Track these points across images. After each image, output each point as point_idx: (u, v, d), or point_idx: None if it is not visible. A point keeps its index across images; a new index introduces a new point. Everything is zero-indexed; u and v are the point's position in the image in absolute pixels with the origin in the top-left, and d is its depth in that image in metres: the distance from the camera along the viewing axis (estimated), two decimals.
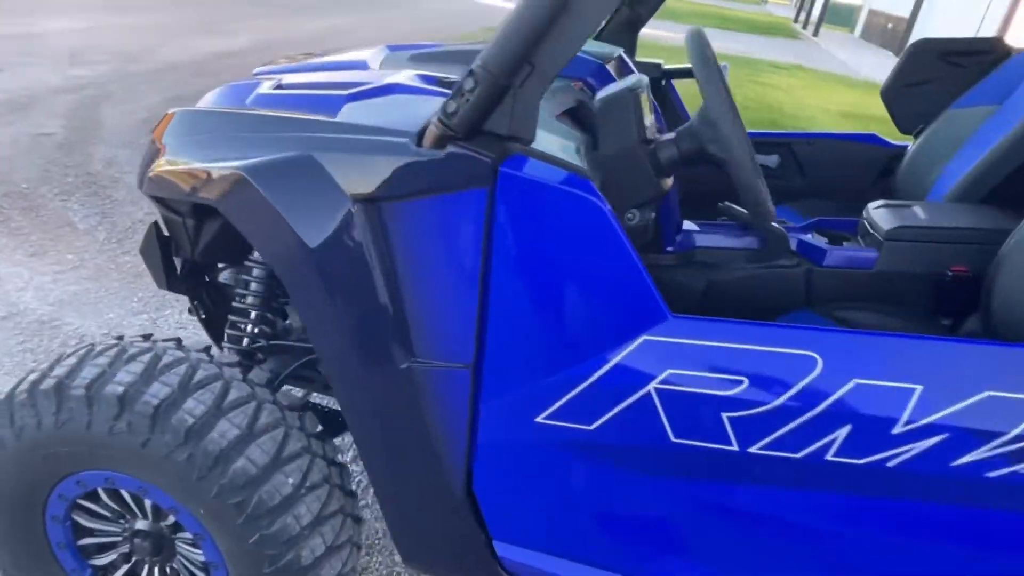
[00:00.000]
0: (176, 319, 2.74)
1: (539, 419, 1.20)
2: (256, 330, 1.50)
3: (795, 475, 1.12)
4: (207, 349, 1.37)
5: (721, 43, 12.32)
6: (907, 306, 1.70)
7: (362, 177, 1.15)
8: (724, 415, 1.11)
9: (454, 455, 1.25)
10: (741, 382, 1.10)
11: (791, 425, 1.10)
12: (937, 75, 2.19)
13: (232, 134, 1.27)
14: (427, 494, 1.29)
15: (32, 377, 1.29)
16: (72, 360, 1.29)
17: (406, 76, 1.38)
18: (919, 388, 1.05)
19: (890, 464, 1.08)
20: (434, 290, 1.18)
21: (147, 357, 1.27)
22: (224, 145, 1.26)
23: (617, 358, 1.14)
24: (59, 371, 1.26)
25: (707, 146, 1.40)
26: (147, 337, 1.39)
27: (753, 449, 1.12)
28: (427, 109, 1.23)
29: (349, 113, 1.25)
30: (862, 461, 1.08)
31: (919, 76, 2.21)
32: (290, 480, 1.24)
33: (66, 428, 1.23)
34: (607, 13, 1.04)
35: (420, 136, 1.14)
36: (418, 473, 1.28)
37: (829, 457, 1.09)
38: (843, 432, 1.08)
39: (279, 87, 1.41)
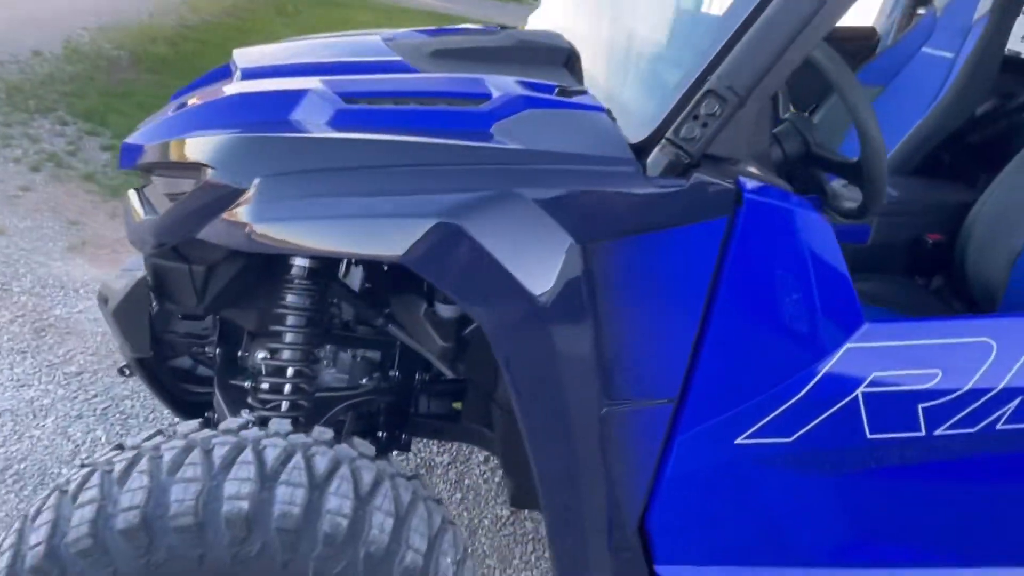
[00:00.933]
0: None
1: (739, 441, 1.22)
2: (300, 386, 1.33)
3: (969, 447, 1.26)
4: (286, 428, 1.15)
5: None
6: (891, 273, 1.95)
7: (583, 213, 1.08)
8: (919, 406, 1.22)
9: (635, 489, 1.24)
10: (935, 375, 1.21)
11: (973, 405, 1.22)
12: None
13: (364, 170, 1.10)
14: (598, 526, 1.26)
15: (80, 516, 0.97)
16: (120, 472, 1.01)
17: (512, 85, 1.23)
18: None
19: None
20: (647, 327, 1.14)
21: (245, 453, 1.04)
22: (362, 184, 1.09)
23: (824, 369, 1.18)
24: (119, 495, 0.98)
25: (812, 147, 1.35)
26: (206, 423, 1.16)
27: (938, 431, 1.24)
28: (599, 128, 1.14)
29: (512, 136, 1.12)
30: None
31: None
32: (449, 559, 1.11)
33: (164, 570, 0.98)
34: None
35: (641, 164, 1.09)
36: (593, 507, 1.24)
37: (1000, 427, 1.24)
38: (1014, 404, 1.23)
39: (350, 97, 1.21)
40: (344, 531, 0.99)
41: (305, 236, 1.12)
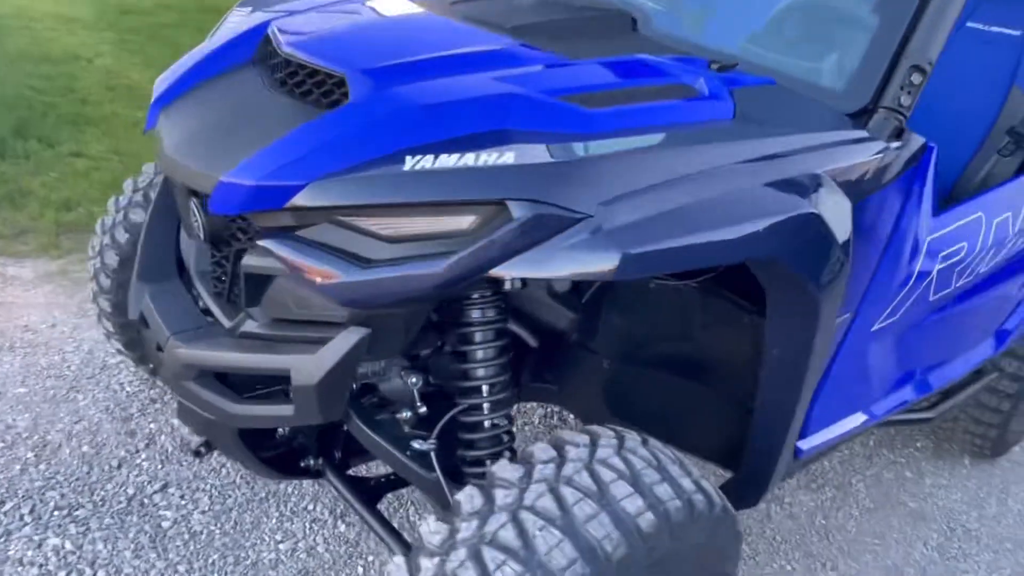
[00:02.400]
0: None
1: (873, 328, 1.62)
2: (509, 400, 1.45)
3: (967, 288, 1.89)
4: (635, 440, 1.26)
5: None
6: None
7: (844, 181, 1.31)
8: (955, 270, 1.73)
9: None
10: (963, 247, 1.70)
11: (975, 262, 1.79)
12: None
13: (689, 178, 1.16)
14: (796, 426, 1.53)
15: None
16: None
17: (682, 66, 1.38)
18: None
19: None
20: (857, 265, 1.40)
21: (610, 472, 1.14)
22: (700, 191, 1.15)
23: (918, 267, 1.59)
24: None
25: None
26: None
27: (959, 283, 1.81)
28: (810, 102, 1.40)
29: (755, 120, 1.28)
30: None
31: None
32: None
33: None
34: None
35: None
36: (800, 407, 1.50)
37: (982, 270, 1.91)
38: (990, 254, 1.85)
39: (558, 95, 1.20)
40: (682, 508, 1.13)
41: (671, 257, 1.13)
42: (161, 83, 1.52)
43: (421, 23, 1.55)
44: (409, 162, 1.12)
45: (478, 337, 1.38)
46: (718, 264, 1.28)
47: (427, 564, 1.06)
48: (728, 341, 1.62)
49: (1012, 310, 2.36)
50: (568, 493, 1.08)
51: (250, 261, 1.27)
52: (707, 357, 1.73)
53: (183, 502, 1.98)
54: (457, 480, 1.42)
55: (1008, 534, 2.53)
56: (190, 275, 1.58)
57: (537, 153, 1.12)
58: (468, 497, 1.12)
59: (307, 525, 1.98)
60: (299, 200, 1.15)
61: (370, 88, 1.24)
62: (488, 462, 1.39)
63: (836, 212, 1.26)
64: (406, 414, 1.45)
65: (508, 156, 1.11)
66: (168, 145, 1.35)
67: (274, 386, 1.44)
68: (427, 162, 1.12)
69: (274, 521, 1.96)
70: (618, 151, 1.15)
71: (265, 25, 1.57)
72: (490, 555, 1.02)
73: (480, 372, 1.39)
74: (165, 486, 2.02)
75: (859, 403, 1.85)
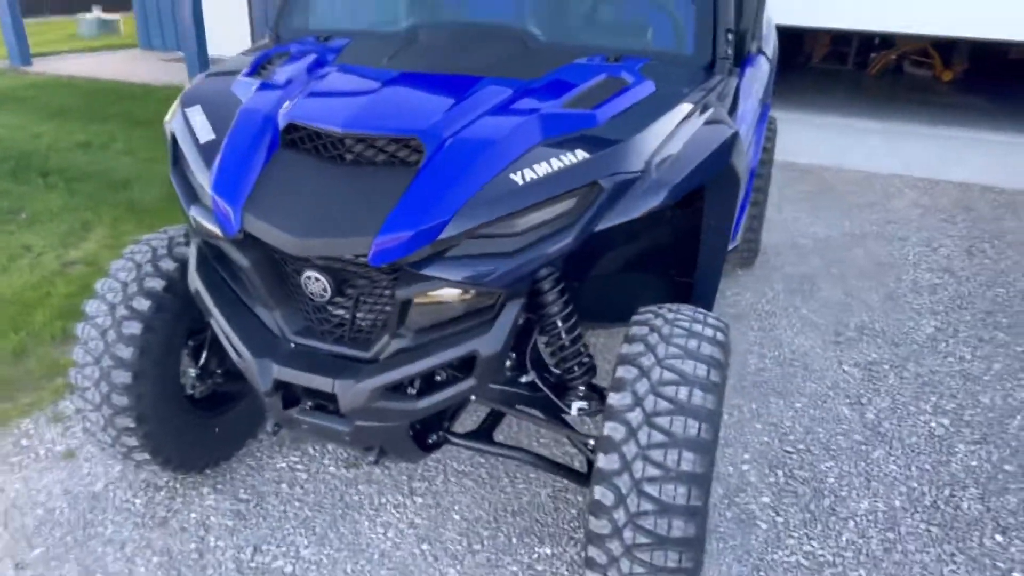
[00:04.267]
0: None
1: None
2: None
3: None
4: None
5: None
6: None
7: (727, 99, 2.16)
8: None
9: None
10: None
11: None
12: None
13: None
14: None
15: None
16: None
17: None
18: None
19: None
20: None
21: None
22: None
23: None
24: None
25: None
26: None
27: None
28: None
29: (664, 85, 1.93)
30: None
31: None
32: None
33: None
34: None
35: None
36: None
37: None
38: None
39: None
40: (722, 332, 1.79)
41: (682, 185, 1.79)
42: (224, 188, 1.71)
43: (411, 80, 1.92)
44: (517, 178, 1.61)
45: (552, 289, 1.82)
46: (698, 184, 1.95)
47: (624, 403, 1.61)
48: (659, 234, 2.34)
49: (752, 157, 3.49)
50: (677, 342, 1.71)
51: (403, 291, 1.64)
52: (646, 251, 2.43)
53: None
54: (559, 396, 1.97)
55: (786, 303, 3.79)
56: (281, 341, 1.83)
57: (590, 149, 1.68)
58: (625, 370, 1.69)
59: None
60: (447, 233, 1.57)
61: (439, 142, 1.67)
62: (577, 373, 1.94)
63: (735, 123, 2.00)
64: (507, 361, 1.93)
65: (581, 154, 1.66)
66: (291, 232, 1.61)
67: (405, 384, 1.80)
68: (529, 174, 1.62)
69: None
70: (629, 132, 1.75)
71: (264, 114, 1.83)
72: (667, 376, 1.63)
73: (557, 310, 1.92)
74: None
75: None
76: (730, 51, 2.11)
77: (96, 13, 13.66)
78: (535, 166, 1.63)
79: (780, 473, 2.56)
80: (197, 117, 1.94)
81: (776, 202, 5.35)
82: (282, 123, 1.79)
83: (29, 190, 5.05)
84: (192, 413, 2.31)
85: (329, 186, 1.67)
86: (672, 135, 1.79)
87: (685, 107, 1.87)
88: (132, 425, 2.10)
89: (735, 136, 1.89)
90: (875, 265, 4.31)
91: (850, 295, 3.91)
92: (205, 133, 1.88)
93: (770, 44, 3.67)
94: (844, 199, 5.48)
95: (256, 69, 2.14)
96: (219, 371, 2.32)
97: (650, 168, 1.71)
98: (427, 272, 1.62)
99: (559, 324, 1.92)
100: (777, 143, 6.44)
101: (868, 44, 12.12)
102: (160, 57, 10.68)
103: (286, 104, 1.85)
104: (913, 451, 2.69)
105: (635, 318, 1.84)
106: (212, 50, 8.95)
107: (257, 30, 10.60)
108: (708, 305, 2.25)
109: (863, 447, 2.70)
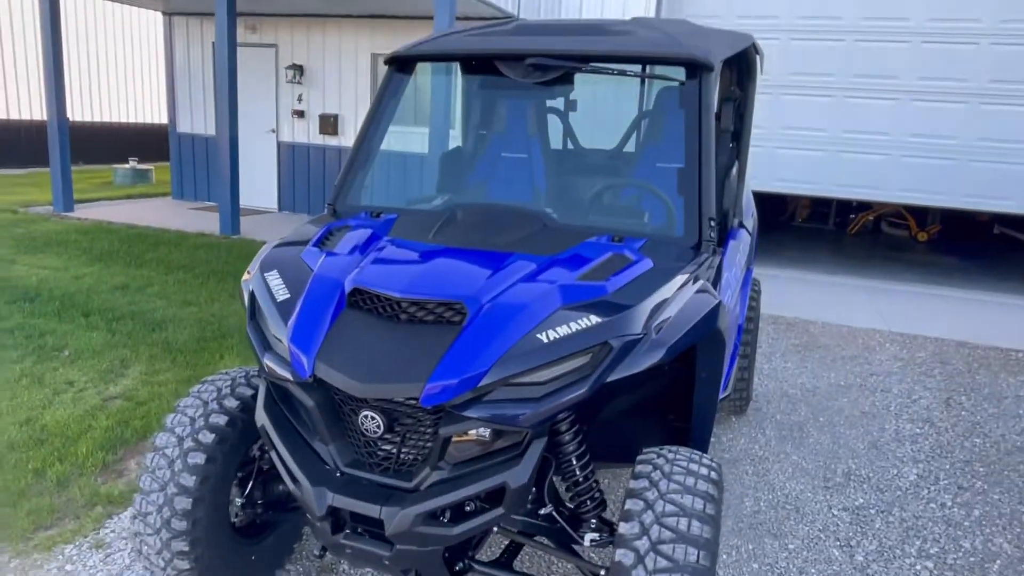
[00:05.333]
0: None
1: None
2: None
3: None
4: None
5: None
6: None
7: (710, 276, 2.48)
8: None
9: None
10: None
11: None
12: None
13: None
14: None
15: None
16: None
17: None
18: None
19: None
20: None
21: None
22: None
23: None
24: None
25: None
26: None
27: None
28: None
29: (660, 262, 2.35)
30: None
31: None
32: None
33: None
34: None
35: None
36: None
37: None
38: None
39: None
40: (716, 476, 2.10)
41: (677, 346, 2.13)
42: (300, 339, 2.07)
43: (455, 256, 2.35)
44: (542, 337, 1.98)
45: (568, 431, 2.20)
46: (691, 344, 2.31)
47: (630, 536, 1.89)
48: (658, 385, 2.68)
49: (739, 315, 3.91)
50: (676, 479, 2.02)
51: (447, 429, 1.96)
52: (648, 400, 2.76)
53: None
54: (574, 528, 2.23)
55: (778, 449, 4.05)
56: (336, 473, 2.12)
57: (602, 314, 2.07)
58: (633, 503, 1.98)
59: None
60: (486, 380, 1.92)
61: (478, 306, 2.06)
62: (590, 507, 2.23)
63: (719, 295, 2.39)
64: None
65: (594, 318, 2.04)
66: (356, 377, 1.96)
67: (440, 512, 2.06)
68: (552, 334, 1.99)
69: None
70: (634, 300, 2.14)
71: (333, 280, 2.23)
72: (669, 508, 1.92)
73: (570, 449, 2.22)
74: None
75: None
76: (713, 234, 2.56)
77: (132, 164, 14.78)
78: (557, 328, 2.00)
79: None
80: (274, 280, 2.35)
81: (766, 352, 5.73)
82: (348, 287, 2.19)
83: (72, 328, 5.44)
84: (235, 540, 2.54)
85: (387, 340, 2.04)
86: (668, 303, 2.18)
87: (678, 280, 2.28)
88: (186, 549, 2.33)
89: (719, 305, 2.29)
90: (859, 415, 4.61)
91: (837, 443, 4.19)
92: (282, 293, 2.28)
93: (750, 216, 4.21)
94: (829, 351, 5.88)
95: (321, 240, 2.58)
96: (260, 501, 2.57)
97: (650, 330, 2.09)
98: (467, 414, 1.94)
99: (574, 462, 2.22)
100: (765, 298, 6.97)
101: (847, 205, 13.12)
102: (190, 206, 11.50)
103: (353, 271, 2.26)
104: None
105: (640, 458, 2.14)
106: (242, 202, 9.72)
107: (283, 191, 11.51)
108: (704, 447, 2.55)
109: None
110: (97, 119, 17.94)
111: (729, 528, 3.25)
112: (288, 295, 2.26)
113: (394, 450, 2.08)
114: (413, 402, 1.96)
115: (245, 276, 2.51)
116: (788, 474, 3.79)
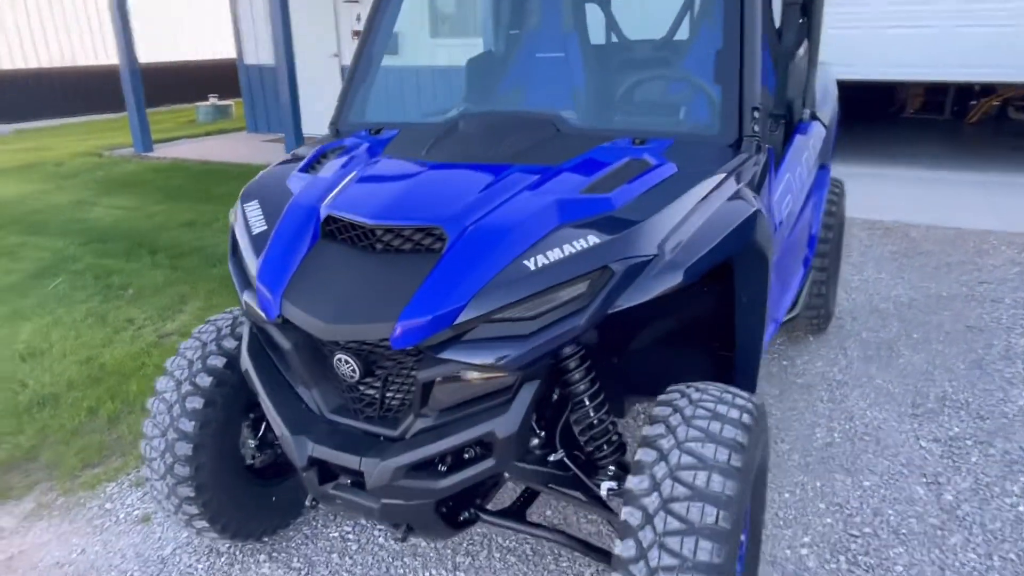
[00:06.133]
0: None
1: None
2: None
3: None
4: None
5: None
6: None
7: (752, 181, 2.16)
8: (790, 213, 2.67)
9: None
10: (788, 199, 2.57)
11: (794, 202, 2.73)
12: None
13: None
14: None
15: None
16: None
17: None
18: None
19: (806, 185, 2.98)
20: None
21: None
22: None
23: None
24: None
25: None
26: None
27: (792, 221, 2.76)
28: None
29: (686, 166, 2.00)
30: None
31: None
32: None
33: None
34: None
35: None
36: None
37: None
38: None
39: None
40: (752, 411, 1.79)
41: (701, 264, 1.82)
42: (268, 276, 1.86)
43: (444, 173, 2.05)
44: (530, 264, 1.67)
45: (576, 368, 1.91)
46: (719, 262, 1.94)
47: (643, 485, 1.60)
48: (697, 309, 2.34)
49: (811, 222, 3.41)
50: (698, 424, 1.70)
51: (424, 373, 1.72)
52: (683, 327, 2.43)
53: None
54: (588, 475, 1.97)
55: (860, 372, 3.60)
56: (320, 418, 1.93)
57: (602, 233, 1.73)
58: (644, 452, 1.69)
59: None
60: (463, 317, 1.65)
61: (460, 230, 1.76)
62: (606, 452, 1.95)
63: (757, 203, 1.99)
64: (534, 440, 1.96)
65: (593, 239, 1.71)
66: (321, 317, 1.74)
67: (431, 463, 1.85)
68: (542, 260, 1.68)
69: None
70: (644, 214, 1.79)
71: (309, 207, 1.99)
72: (686, 460, 1.61)
73: (582, 389, 1.94)
74: None
75: (779, 301, 2.69)
76: (757, 128, 2.12)
77: (212, 101, 15.05)
78: (548, 252, 1.69)
79: (843, 559, 2.41)
80: (253, 211, 2.13)
81: (856, 263, 5.15)
82: (322, 215, 1.95)
83: (138, 267, 5.57)
84: (252, 483, 2.45)
85: (360, 274, 1.79)
86: (689, 216, 1.81)
87: (705, 187, 1.89)
88: (192, 494, 2.25)
89: (756, 214, 1.89)
90: (963, 329, 4.04)
91: (932, 363, 3.68)
92: (258, 225, 2.06)
93: (828, 106, 3.62)
94: (931, 258, 5.21)
95: (311, 164, 2.33)
96: (277, 442, 2.46)
97: (664, 250, 1.74)
98: (446, 355, 1.69)
99: (586, 402, 1.94)
100: (860, 203, 6.25)
101: (966, 92, 11.61)
102: (262, 139, 11.60)
103: (329, 197, 2.01)
104: (996, 538, 2.47)
105: (661, 397, 1.84)
106: (307, 130, 9.67)
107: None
108: (750, 381, 2.20)
109: (938, 532, 2.51)
110: (177, 59, 18.30)
111: (795, 463, 2.91)
112: (265, 227, 2.05)
113: (377, 395, 1.87)
114: (385, 344, 1.72)
115: (231, 210, 2.31)
116: (870, 400, 3.36)
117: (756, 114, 2.10)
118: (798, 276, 3.15)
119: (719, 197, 1.89)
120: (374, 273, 1.78)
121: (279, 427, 1.91)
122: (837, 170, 4.60)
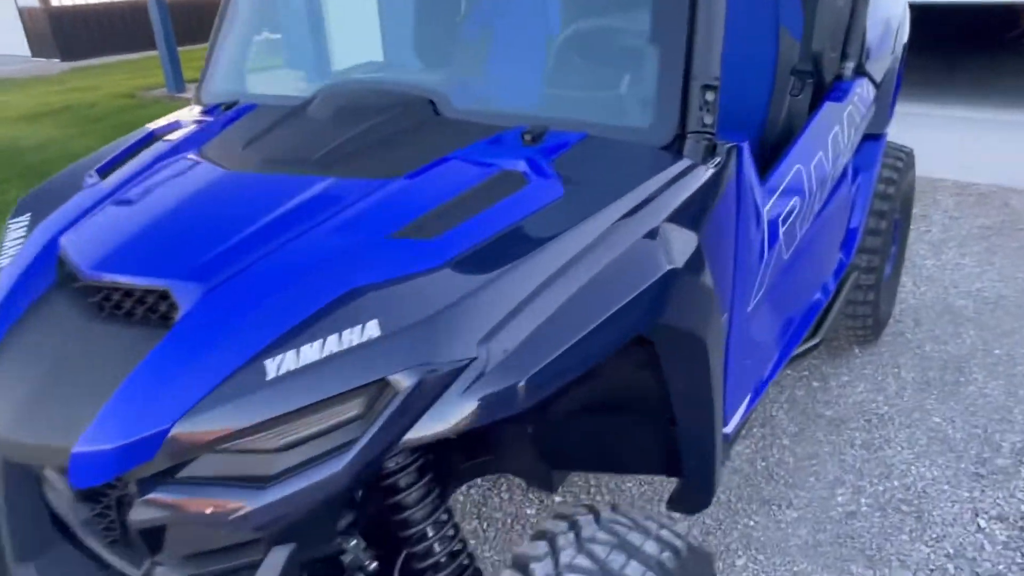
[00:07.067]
0: None
1: (749, 308, 1.74)
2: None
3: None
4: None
5: None
6: None
7: (695, 205, 1.51)
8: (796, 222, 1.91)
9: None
10: (795, 201, 1.89)
11: (806, 204, 1.98)
12: None
13: None
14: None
15: None
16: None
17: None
18: None
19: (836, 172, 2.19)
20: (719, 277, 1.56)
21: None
22: None
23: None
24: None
25: None
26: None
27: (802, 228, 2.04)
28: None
29: (583, 185, 1.34)
30: None
31: None
32: None
33: None
34: None
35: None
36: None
37: None
38: None
39: None
40: (671, 556, 1.19)
41: (567, 364, 1.14)
42: None
43: (225, 189, 1.42)
44: (271, 368, 1.05)
45: (408, 496, 1.31)
46: (611, 353, 1.27)
47: None
48: (635, 375, 1.66)
49: (849, 215, 2.58)
50: (593, 550, 1.10)
51: (137, 516, 1.14)
52: (618, 393, 1.76)
53: None
54: None
55: (913, 404, 2.80)
56: (72, 529, 1.41)
57: (401, 313, 1.07)
58: None
59: None
60: (168, 446, 1.05)
61: (199, 294, 1.14)
62: None
63: (688, 252, 1.30)
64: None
65: (372, 328, 1.06)
66: None
67: None
68: (289, 362, 1.04)
69: None
70: (474, 283, 1.10)
71: (52, 238, 1.41)
72: None
73: (420, 516, 1.33)
74: None
75: (758, 369, 1.97)
76: (709, 119, 1.36)
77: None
78: (302, 348, 1.05)
79: None
80: (16, 232, 1.57)
81: (934, 241, 4.20)
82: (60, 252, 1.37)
83: None
84: None
85: (72, 352, 1.21)
86: (552, 281, 1.12)
87: (598, 224, 1.19)
88: None
89: (670, 276, 1.18)
90: None
91: (1014, 395, 2.82)
92: (7, 254, 1.50)
93: (885, 51, 2.67)
94: None
95: (122, 158, 1.74)
96: None
97: (490, 350, 1.06)
98: (153, 498, 1.10)
99: (429, 534, 1.33)
100: (949, 159, 5.15)
101: None
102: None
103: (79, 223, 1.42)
104: None
105: (559, 508, 1.22)
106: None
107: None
108: (704, 487, 1.56)
109: None
110: None
111: (800, 541, 2.21)
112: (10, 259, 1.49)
113: (115, 517, 1.31)
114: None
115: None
116: (919, 448, 2.58)
117: (709, 96, 1.34)
118: (816, 296, 2.36)
119: (617, 243, 1.18)
120: (85, 354, 1.19)
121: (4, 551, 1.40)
122: (925, 111, 3.62)
